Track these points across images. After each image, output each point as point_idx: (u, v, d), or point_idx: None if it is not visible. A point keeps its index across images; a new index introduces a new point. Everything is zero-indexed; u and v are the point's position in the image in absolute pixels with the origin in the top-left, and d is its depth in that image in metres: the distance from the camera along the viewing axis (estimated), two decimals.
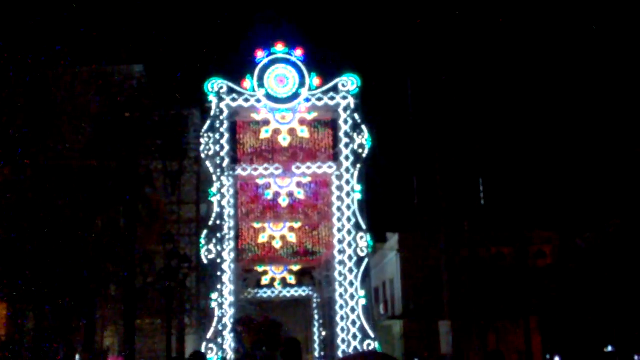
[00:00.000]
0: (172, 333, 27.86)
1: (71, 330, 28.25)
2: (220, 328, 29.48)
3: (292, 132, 31.48)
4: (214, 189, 30.66)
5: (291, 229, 31.28)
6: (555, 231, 39.47)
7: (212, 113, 31.17)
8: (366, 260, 30.98)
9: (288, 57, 31.32)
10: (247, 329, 27.96)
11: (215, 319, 29.60)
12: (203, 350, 28.46)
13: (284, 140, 31.42)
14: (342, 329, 29.98)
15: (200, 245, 30.88)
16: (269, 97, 30.93)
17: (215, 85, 31.21)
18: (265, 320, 28.23)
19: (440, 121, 35.06)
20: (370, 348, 28.72)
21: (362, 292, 30.28)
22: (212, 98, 31.13)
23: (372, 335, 29.79)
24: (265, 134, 31.48)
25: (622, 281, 33.11)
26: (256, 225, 31.35)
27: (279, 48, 31.41)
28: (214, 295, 29.76)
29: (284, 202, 31.31)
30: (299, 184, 31.46)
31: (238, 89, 31.28)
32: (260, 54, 31.23)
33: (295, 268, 32.87)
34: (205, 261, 30.47)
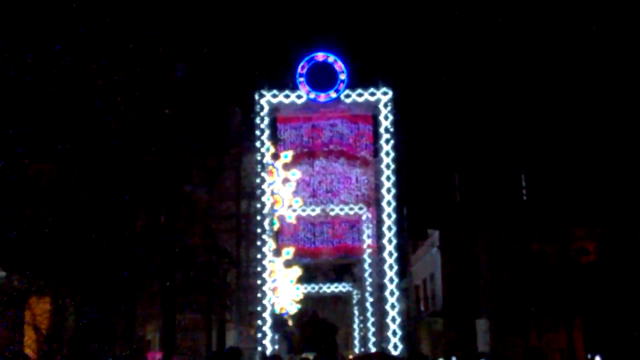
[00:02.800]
0: (212, 328, 27.99)
1: (113, 325, 28.50)
2: (261, 323, 29.53)
3: (332, 126, 31.43)
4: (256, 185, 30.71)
5: (331, 226, 31.25)
6: (600, 228, 38.87)
7: (253, 109, 31.22)
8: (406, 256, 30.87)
9: (328, 53, 31.24)
10: (298, 325, 27.96)
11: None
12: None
13: (325, 136, 31.38)
14: (383, 326, 29.89)
15: None
16: (309, 92, 30.86)
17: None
18: (314, 316, 28.14)
19: (481, 116, 34.77)
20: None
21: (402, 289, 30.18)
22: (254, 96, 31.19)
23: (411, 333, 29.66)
24: (305, 129, 31.46)
25: None
26: (296, 222, 31.37)
27: (320, 58, 31.26)
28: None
29: (324, 198, 31.29)
30: (339, 180, 31.41)
31: (278, 87, 31.27)
32: (301, 65, 31.11)
33: (335, 264, 32.87)
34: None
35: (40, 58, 23.85)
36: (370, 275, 31.13)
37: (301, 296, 33.59)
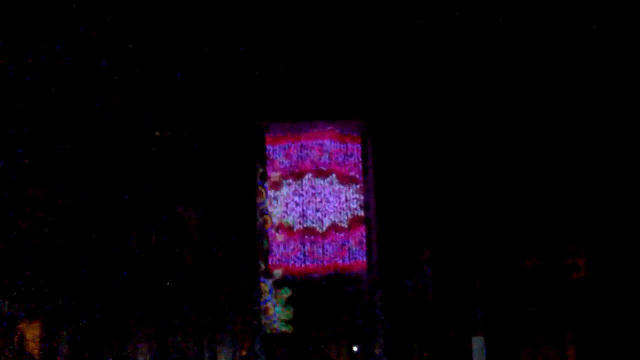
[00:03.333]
0: (204, 350, 27.96)
1: (105, 348, 28.45)
2: (252, 344, 29.54)
3: (320, 146, 31.51)
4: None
5: (321, 245, 31.23)
6: (590, 244, 38.95)
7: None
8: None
9: None
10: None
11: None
12: None
13: (314, 154, 31.43)
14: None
15: None
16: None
17: None
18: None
19: (472, 133, 34.91)
20: None
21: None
22: None
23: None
24: (294, 148, 31.53)
25: None
26: (285, 241, 31.36)
27: None
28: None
29: (314, 217, 31.32)
30: (328, 199, 31.45)
31: None
32: None
33: (327, 283, 32.87)
34: None
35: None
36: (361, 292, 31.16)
37: (292, 316, 33.50)
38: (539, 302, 36.04)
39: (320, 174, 31.36)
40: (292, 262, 31.31)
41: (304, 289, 32.95)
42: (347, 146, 31.81)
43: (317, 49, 31.00)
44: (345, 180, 31.48)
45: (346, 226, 31.47)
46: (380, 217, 30.34)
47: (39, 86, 24.71)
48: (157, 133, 30.39)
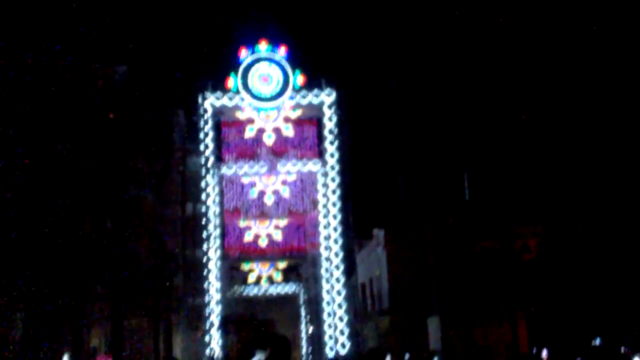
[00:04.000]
0: (160, 332, 27.93)
1: (59, 331, 28.27)
2: (208, 326, 29.59)
3: (276, 130, 31.53)
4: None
5: (277, 227, 31.32)
6: (540, 225, 39.66)
7: (196, 112, 31.28)
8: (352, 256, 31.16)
9: (272, 55, 31.41)
10: (236, 328, 28.03)
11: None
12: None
13: (269, 139, 31.46)
14: (329, 326, 30.16)
15: None
16: (252, 96, 31.02)
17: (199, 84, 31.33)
18: (251, 318, 28.32)
19: (425, 117, 35.24)
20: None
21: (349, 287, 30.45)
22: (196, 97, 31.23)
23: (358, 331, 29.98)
24: (249, 132, 31.52)
25: (607, 275, 33.36)
26: (242, 224, 31.39)
27: (263, 46, 31.48)
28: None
29: (269, 200, 31.36)
30: (284, 182, 31.52)
31: (221, 89, 31.34)
32: (243, 52, 31.30)
33: (282, 265, 33.01)
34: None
35: None
36: (316, 275, 31.32)
37: (248, 298, 33.68)
38: (491, 283, 36.64)
39: (276, 156, 31.36)
40: (247, 245, 31.32)
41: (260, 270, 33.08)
42: (303, 129, 31.86)
43: None
44: (300, 163, 31.55)
45: (302, 209, 31.56)
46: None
47: None
48: (110, 115, 30.15)
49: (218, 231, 30.69)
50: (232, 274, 32.24)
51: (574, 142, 36.47)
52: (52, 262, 25.86)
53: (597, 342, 34.71)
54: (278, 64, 31.23)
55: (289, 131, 31.56)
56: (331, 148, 30.92)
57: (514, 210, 37.22)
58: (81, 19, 29.84)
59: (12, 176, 26.82)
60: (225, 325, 28.86)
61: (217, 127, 31.38)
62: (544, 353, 35.23)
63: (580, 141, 36.76)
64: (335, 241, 30.32)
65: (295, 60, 31.85)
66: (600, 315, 34.76)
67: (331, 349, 29.58)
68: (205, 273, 30.20)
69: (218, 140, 31.25)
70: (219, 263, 30.35)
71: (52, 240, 26.20)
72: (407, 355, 39.18)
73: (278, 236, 31.27)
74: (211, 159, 30.85)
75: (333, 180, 30.75)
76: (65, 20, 28.34)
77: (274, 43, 31.71)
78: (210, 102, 31.14)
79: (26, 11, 27.13)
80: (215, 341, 29.32)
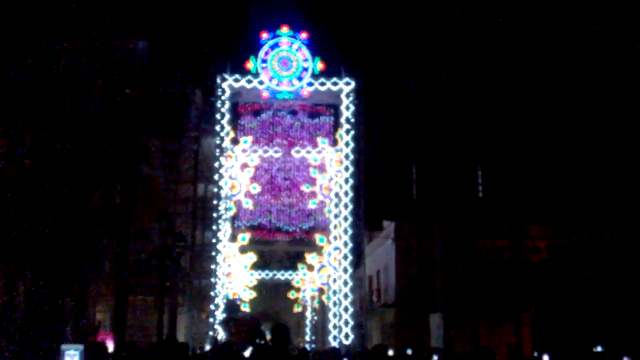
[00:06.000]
0: (164, 311, 27.86)
1: (63, 305, 28.17)
2: (213, 308, 29.50)
3: (293, 115, 31.45)
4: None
5: (288, 213, 31.21)
6: (551, 227, 39.42)
7: (214, 93, 31.17)
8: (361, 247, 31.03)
9: (292, 39, 31.22)
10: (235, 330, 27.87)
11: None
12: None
13: (285, 124, 31.36)
14: (334, 315, 30.03)
15: None
16: (271, 78, 30.85)
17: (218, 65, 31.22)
18: (252, 319, 28.11)
19: (441, 111, 34.98)
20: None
21: (356, 279, 30.32)
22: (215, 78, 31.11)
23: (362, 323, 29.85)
24: (266, 116, 31.42)
25: (615, 281, 33.08)
26: (253, 207, 31.27)
27: (284, 31, 31.31)
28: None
29: (281, 185, 31.25)
30: (298, 168, 31.40)
31: (240, 71, 31.21)
32: (265, 35, 31.13)
33: (290, 251, 32.88)
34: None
35: None
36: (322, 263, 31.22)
37: (255, 282, 33.52)
38: (497, 283, 36.42)
39: (291, 142, 31.26)
40: (257, 229, 31.21)
41: (269, 255, 32.95)
42: (319, 116, 31.72)
43: None
44: (315, 150, 31.45)
45: (313, 198, 31.45)
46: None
47: None
48: (127, 91, 30.00)
49: (229, 213, 30.58)
50: (241, 258, 32.09)
51: (591, 144, 36.16)
52: (58, 236, 25.71)
53: (599, 349, 34.47)
54: (298, 48, 31.04)
55: (305, 117, 31.44)
56: (347, 137, 30.73)
57: (526, 210, 37.02)
58: None
59: (23, 147, 26.70)
60: (227, 323, 28.76)
61: (234, 110, 31.26)
62: (546, 358, 35.04)
63: (597, 144, 36.44)
64: (345, 231, 30.16)
65: (316, 47, 31.71)
66: (605, 322, 34.53)
67: (335, 338, 29.46)
68: (213, 254, 30.11)
69: (234, 122, 31.14)
70: (227, 245, 30.25)
71: (59, 213, 26.05)
72: (409, 351, 38.98)
73: (288, 222, 31.15)
74: (226, 141, 30.71)
75: (347, 169, 30.58)
76: None
77: (296, 28, 31.57)
78: (229, 83, 30.99)
79: None
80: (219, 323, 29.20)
